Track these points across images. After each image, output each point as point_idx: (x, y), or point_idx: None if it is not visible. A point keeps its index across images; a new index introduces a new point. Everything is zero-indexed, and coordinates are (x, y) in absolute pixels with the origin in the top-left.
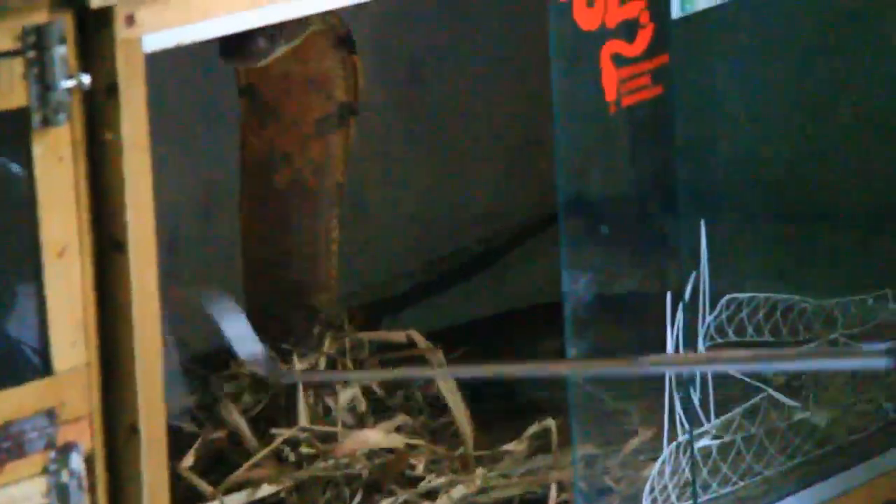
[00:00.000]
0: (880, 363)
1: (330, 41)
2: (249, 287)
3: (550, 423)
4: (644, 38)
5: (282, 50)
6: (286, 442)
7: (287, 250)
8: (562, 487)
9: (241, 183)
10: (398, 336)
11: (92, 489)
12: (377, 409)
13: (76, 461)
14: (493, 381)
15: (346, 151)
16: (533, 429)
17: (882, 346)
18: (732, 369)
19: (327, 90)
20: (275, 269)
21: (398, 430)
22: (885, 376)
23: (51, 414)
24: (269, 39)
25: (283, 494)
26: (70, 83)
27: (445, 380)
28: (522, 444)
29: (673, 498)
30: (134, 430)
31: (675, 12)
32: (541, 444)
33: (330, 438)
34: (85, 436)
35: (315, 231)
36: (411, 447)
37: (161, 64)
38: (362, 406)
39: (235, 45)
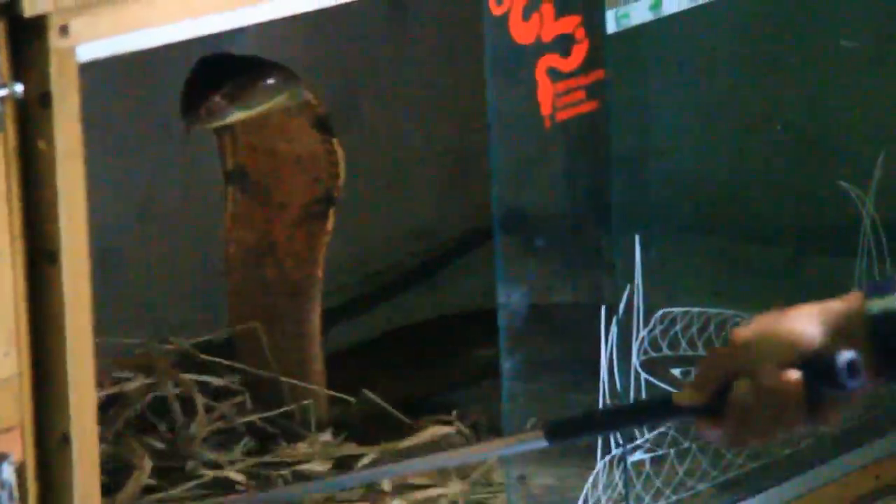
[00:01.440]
0: (541, 443)
1: (309, 120)
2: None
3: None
4: (580, 52)
5: (241, 115)
6: None
7: (276, 346)
8: None
9: (226, 277)
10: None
11: (23, 500)
12: None
13: (7, 471)
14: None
15: (325, 245)
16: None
17: (539, 428)
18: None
19: (315, 172)
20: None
21: None
22: None
23: None
24: (226, 99)
25: None
26: (2, 92)
27: None
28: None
29: None
30: (66, 440)
31: (611, 27)
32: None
33: None
34: (16, 446)
35: (302, 331)
36: None
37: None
38: None
39: (192, 103)
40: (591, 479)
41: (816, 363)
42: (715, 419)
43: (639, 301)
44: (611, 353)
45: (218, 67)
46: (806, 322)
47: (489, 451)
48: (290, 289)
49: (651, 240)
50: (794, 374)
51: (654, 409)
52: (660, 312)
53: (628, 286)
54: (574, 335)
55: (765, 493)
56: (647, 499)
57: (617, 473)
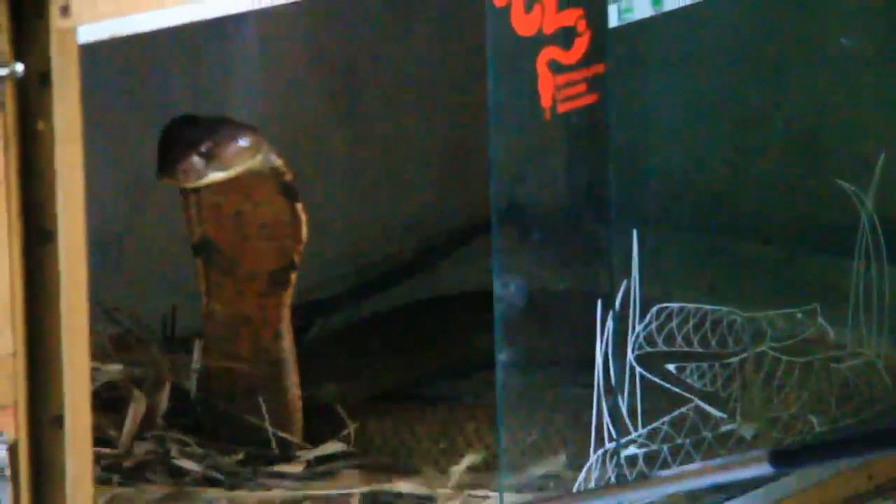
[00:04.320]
0: (765, 469)
1: (275, 187)
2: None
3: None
4: (581, 45)
5: (217, 176)
6: None
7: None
8: None
9: (203, 352)
10: None
11: (15, 479)
12: None
13: None
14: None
15: (288, 314)
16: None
17: (763, 451)
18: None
19: (279, 239)
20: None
21: None
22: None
23: None
24: (203, 158)
25: None
26: (3, 71)
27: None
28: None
29: None
30: (59, 420)
31: (613, 21)
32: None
33: None
34: (9, 425)
35: (282, 402)
36: None
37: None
38: None
39: (170, 162)
40: (583, 473)
41: None
42: None
43: (635, 296)
44: (606, 347)
45: (190, 127)
46: None
47: (704, 476)
48: (269, 361)
49: (648, 235)
50: None
51: (889, 438)
52: (656, 307)
53: (625, 281)
54: (569, 328)
55: (756, 490)
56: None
57: (610, 468)
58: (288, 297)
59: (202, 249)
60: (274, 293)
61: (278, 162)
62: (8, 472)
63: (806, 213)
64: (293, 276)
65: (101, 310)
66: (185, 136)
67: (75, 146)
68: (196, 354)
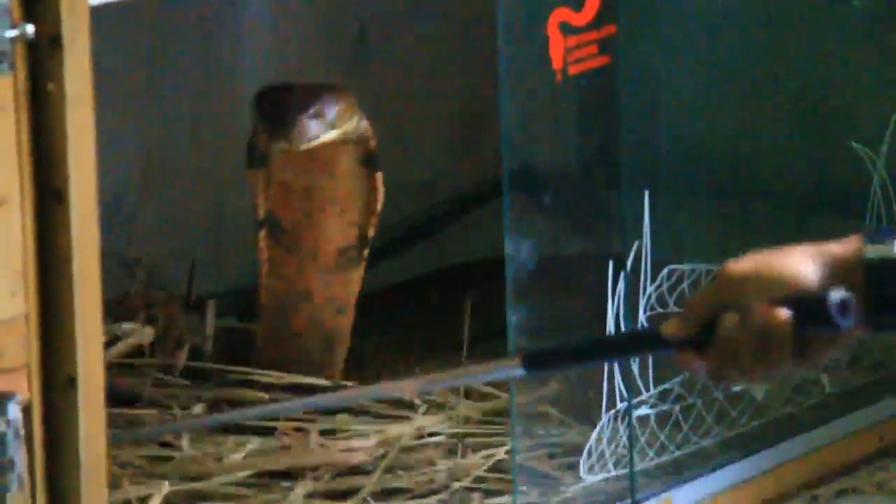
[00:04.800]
0: (517, 371)
1: (357, 156)
2: None
3: None
4: (592, 7)
5: (328, 136)
6: None
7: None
8: None
9: (259, 322)
10: None
11: (29, 439)
12: None
13: (13, 411)
14: None
15: (358, 288)
16: None
17: (518, 353)
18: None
19: (351, 214)
20: None
21: None
22: None
23: None
24: (314, 121)
25: None
26: (13, 33)
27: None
28: None
29: (610, 465)
30: (72, 381)
31: None
32: None
33: None
34: (22, 386)
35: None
36: None
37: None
38: None
39: (283, 127)
40: (595, 434)
41: (808, 301)
42: (700, 353)
43: (646, 257)
44: (618, 309)
45: (292, 92)
46: (801, 261)
47: (467, 376)
48: (324, 336)
49: (660, 197)
50: (784, 312)
51: (638, 341)
52: (667, 269)
53: (636, 242)
54: (581, 290)
55: (768, 450)
56: (651, 453)
57: (621, 428)
58: (359, 273)
59: (266, 225)
60: (342, 270)
61: (366, 124)
62: (22, 433)
63: (818, 175)
64: (366, 252)
65: (121, 261)
66: (291, 101)
67: (86, 108)
68: (209, 317)
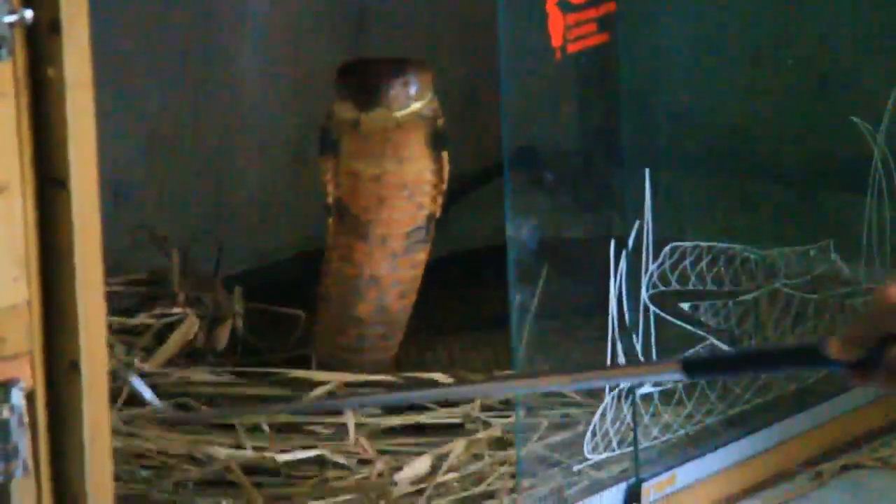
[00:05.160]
0: (676, 375)
1: (426, 135)
2: None
3: None
4: None
5: (415, 106)
6: None
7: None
8: None
9: (318, 310)
10: None
11: (33, 425)
12: None
13: (17, 397)
14: None
15: (422, 271)
16: None
17: (677, 358)
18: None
19: (419, 198)
20: None
21: None
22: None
23: None
24: (405, 89)
25: None
26: (12, 18)
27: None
28: None
29: (614, 444)
30: (75, 367)
31: None
32: None
33: None
34: (26, 372)
35: (383, 360)
36: None
37: None
38: None
39: (378, 93)
40: (599, 412)
41: None
42: (866, 373)
43: (648, 235)
44: (620, 287)
45: (379, 64)
46: None
47: (624, 376)
48: (387, 321)
49: (661, 174)
50: None
51: (799, 356)
52: (669, 246)
53: (638, 220)
54: (584, 269)
55: (773, 426)
56: (655, 432)
57: (625, 406)
58: (424, 254)
59: (336, 211)
60: (409, 253)
61: (436, 103)
62: (26, 420)
63: (819, 150)
64: (432, 230)
65: (148, 234)
66: (381, 71)
67: (86, 93)
68: (236, 297)
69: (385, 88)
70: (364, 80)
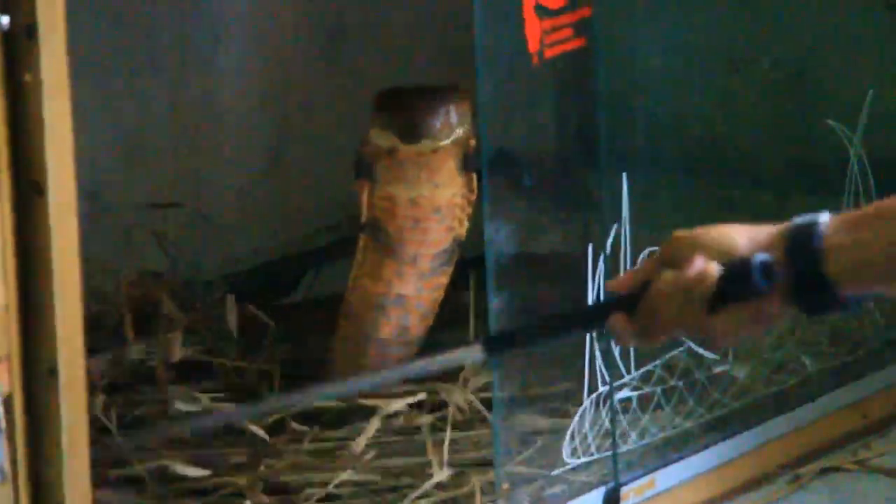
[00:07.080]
0: (478, 357)
1: (459, 159)
2: None
3: None
4: None
5: (458, 133)
6: None
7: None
8: None
9: (337, 327)
10: None
11: (11, 431)
12: None
13: None
14: None
15: (443, 294)
16: None
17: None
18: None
19: (450, 221)
20: None
21: None
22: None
23: None
24: (449, 117)
25: None
26: None
27: None
28: None
29: (593, 448)
30: (52, 372)
31: None
32: None
33: None
34: (3, 378)
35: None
36: None
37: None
38: None
39: (425, 125)
40: (577, 417)
41: (734, 261)
42: (632, 312)
43: (626, 239)
44: (598, 291)
45: (421, 94)
46: (737, 233)
47: (430, 365)
48: (406, 342)
49: (638, 178)
50: (713, 266)
51: (589, 313)
52: (647, 251)
53: (615, 225)
54: (561, 273)
55: (751, 430)
56: (634, 436)
57: (604, 411)
58: (446, 278)
59: (368, 229)
60: (434, 274)
61: (468, 130)
62: (3, 425)
63: (796, 153)
64: (455, 254)
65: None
66: (425, 104)
67: (63, 98)
68: (229, 306)
69: (430, 122)
70: (409, 114)
